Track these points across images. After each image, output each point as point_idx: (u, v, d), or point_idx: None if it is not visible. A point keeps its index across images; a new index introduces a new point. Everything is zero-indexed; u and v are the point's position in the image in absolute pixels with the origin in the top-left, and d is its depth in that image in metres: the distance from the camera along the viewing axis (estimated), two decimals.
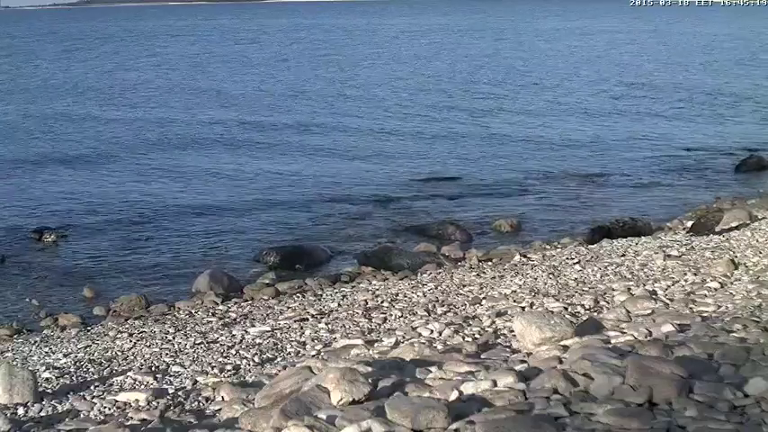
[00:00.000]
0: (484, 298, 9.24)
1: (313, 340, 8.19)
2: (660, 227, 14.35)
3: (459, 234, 14.33)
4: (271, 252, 13.20)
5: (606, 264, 10.57)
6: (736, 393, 4.38)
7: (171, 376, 7.27)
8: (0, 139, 24.51)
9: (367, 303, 9.65)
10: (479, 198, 17.50)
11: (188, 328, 9.20)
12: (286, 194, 17.80)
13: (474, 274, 10.93)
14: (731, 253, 10.30)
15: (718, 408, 4.23)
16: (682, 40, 66.42)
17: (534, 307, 8.37)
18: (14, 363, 7.94)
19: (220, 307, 10.45)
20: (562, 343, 5.94)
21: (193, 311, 10.33)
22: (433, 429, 4.20)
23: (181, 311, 10.45)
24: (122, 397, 6.54)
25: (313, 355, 7.48)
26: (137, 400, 6.40)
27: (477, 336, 7.44)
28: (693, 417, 4.14)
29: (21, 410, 6.39)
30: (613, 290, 8.84)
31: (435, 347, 6.91)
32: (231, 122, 27.54)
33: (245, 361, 7.64)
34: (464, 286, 10.08)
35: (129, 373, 7.39)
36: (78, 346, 8.69)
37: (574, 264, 10.83)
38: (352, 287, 11.06)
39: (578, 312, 7.95)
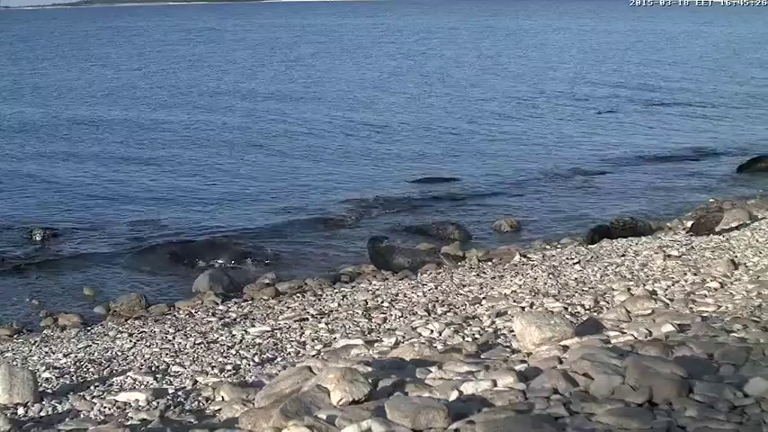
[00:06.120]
0: (484, 298, 9.24)
1: (313, 340, 8.18)
2: (660, 227, 14.34)
3: (459, 234, 14.34)
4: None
5: (606, 264, 10.56)
6: (736, 393, 4.37)
7: (171, 376, 7.25)
8: None
9: (367, 303, 9.64)
10: (479, 198, 17.51)
11: (188, 328, 9.19)
12: (286, 195, 17.80)
13: (474, 274, 10.92)
14: (731, 253, 10.29)
15: (718, 408, 4.22)
16: (681, 39, 66.37)
17: (534, 307, 8.36)
18: (14, 363, 7.94)
19: (220, 307, 10.44)
20: (562, 343, 5.93)
21: (193, 311, 10.31)
22: (433, 429, 4.19)
23: (181, 311, 10.44)
24: (122, 397, 6.52)
25: (313, 355, 7.46)
26: (137, 400, 6.39)
27: (477, 336, 7.43)
28: (693, 417, 4.13)
29: (21, 410, 6.38)
30: (613, 290, 8.83)
31: (435, 347, 6.89)
32: (233, 122, 27.55)
33: (245, 361, 7.63)
34: (464, 286, 10.07)
35: (129, 373, 7.37)
36: (78, 346, 8.68)
37: (574, 264, 10.82)
38: (352, 287, 11.05)
39: (578, 312, 7.95)
